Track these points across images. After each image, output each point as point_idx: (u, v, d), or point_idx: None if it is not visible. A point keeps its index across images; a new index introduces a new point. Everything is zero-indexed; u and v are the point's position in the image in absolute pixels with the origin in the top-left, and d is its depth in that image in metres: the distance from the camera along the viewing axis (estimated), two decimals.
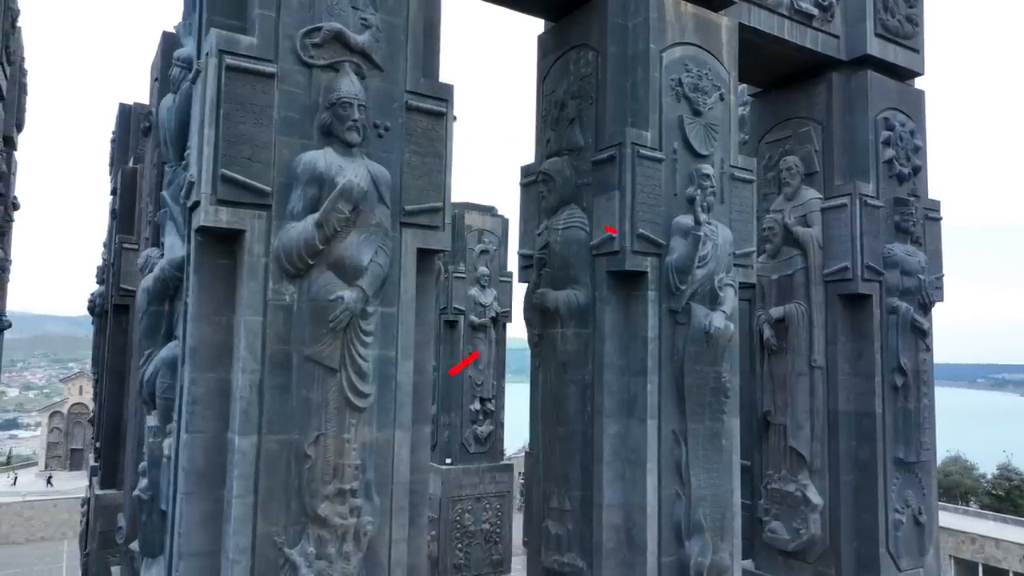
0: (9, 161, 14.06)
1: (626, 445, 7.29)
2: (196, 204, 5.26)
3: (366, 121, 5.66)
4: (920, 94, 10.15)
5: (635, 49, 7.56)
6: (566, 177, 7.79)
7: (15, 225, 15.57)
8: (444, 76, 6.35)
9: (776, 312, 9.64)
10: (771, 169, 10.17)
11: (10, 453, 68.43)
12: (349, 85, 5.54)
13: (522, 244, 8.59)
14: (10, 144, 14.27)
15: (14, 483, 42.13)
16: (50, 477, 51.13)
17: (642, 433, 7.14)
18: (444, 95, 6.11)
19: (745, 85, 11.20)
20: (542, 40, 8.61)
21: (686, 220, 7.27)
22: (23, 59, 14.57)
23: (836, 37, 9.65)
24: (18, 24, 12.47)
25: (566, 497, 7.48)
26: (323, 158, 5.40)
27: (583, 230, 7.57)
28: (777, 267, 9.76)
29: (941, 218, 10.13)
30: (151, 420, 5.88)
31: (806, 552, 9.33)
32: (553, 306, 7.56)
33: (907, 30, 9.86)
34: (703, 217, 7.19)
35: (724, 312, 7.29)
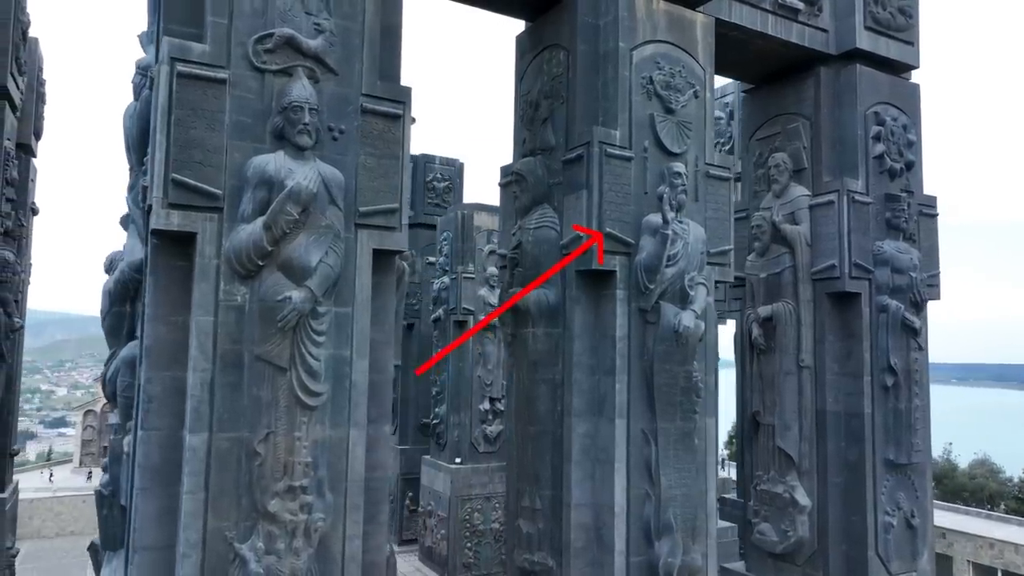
0: (26, 168, 14.51)
1: (596, 444, 7.29)
2: (151, 207, 5.41)
3: (319, 124, 5.76)
4: (915, 88, 9.92)
5: (606, 48, 7.55)
6: (538, 177, 7.81)
7: (36, 229, 16.07)
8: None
9: (764, 311, 9.52)
10: (761, 166, 10.04)
11: (50, 450, 70.56)
12: (300, 89, 5.64)
13: (501, 244, 8.63)
14: (28, 152, 14.75)
15: (51, 479, 43.45)
16: (90, 473, 52.64)
17: (610, 432, 7.12)
18: (401, 97, 6.18)
19: (738, 82, 11.10)
20: (519, 40, 8.64)
21: (655, 219, 7.23)
22: (41, 69, 15.04)
23: (824, 31, 9.49)
24: (31, 35, 12.87)
25: (537, 496, 7.50)
26: (273, 161, 5.51)
27: (554, 229, 7.58)
28: (765, 265, 9.63)
29: (937, 214, 9.89)
30: (112, 418, 6.06)
31: (794, 554, 9.19)
32: (524, 306, 7.58)
33: (900, 22, 9.65)
34: (671, 216, 7.14)
35: (694, 311, 7.24)
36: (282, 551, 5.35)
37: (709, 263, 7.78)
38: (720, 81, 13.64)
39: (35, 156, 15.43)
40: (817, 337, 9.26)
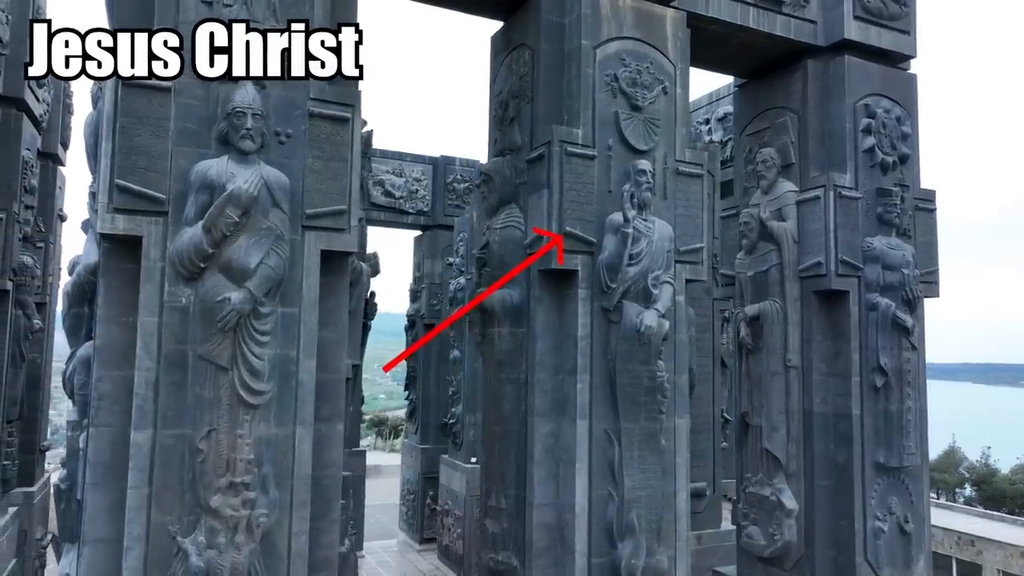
0: (53, 176, 15.16)
1: (559, 444, 7.26)
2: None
3: (265, 128, 5.89)
4: (910, 78, 9.59)
5: (570, 46, 7.52)
6: (505, 177, 7.82)
7: (65, 235, 16.77)
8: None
9: (751, 310, 9.32)
10: (751, 162, 9.83)
11: None
12: (243, 95, 5.77)
13: (475, 245, 8.67)
14: (56, 160, 15.42)
15: None
16: None
17: (572, 432, 7.09)
18: (350, 100, 6.26)
19: (732, 78, 10.91)
20: (493, 40, 8.66)
21: (617, 217, 7.17)
22: (68, 82, 15.72)
23: (812, 22, 9.25)
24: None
25: (502, 496, 7.51)
26: (216, 166, 5.66)
27: (519, 229, 7.58)
28: (753, 263, 9.43)
29: (934, 208, 9.53)
30: (71, 415, 6.32)
31: (782, 558, 8.98)
32: (489, 305, 7.60)
33: (893, 11, 9.34)
34: (631, 214, 7.07)
35: (657, 310, 7.15)
36: (223, 545, 5.49)
37: (680, 261, 7.68)
38: (721, 82, 13.44)
39: (63, 165, 16.07)
40: (804, 336, 9.03)
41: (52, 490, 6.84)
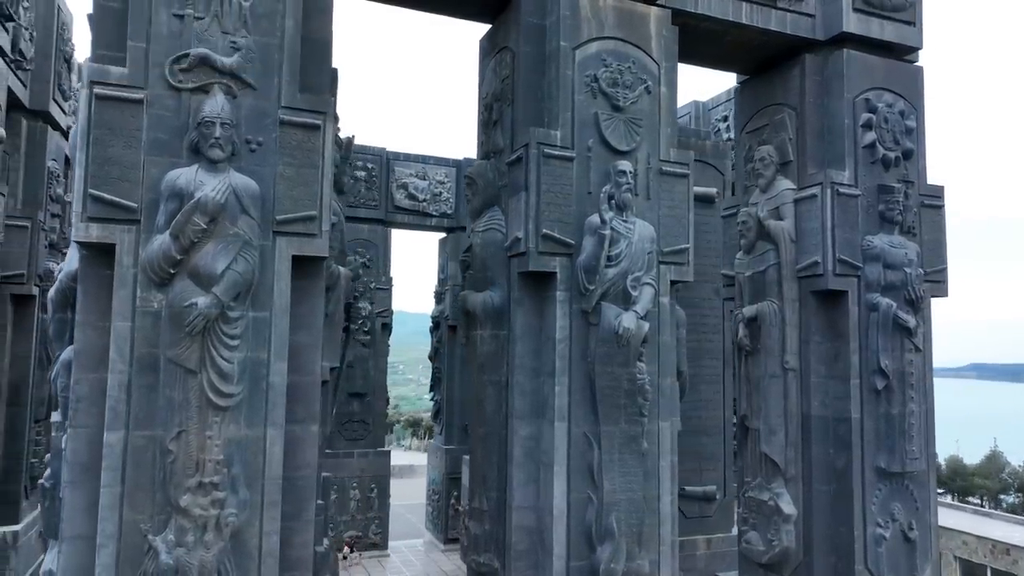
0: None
1: (539, 447, 7.25)
2: None
3: (236, 137, 6.03)
4: (915, 71, 9.28)
5: (550, 48, 7.51)
6: (488, 180, 7.85)
7: None
8: None
9: (749, 311, 9.15)
10: (750, 160, 9.65)
11: None
12: (212, 105, 5.92)
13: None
14: None
15: None
16: None
17: (551, 435, 7.07)
18: (321, 108, 6.36)
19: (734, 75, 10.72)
20: (481, 43, 8.70)
21: (595, 219, 7.12)
22: None
23: (811, 16, 9.03)
24: (76, 60, 14.00)
25: (484, 497, 7.53)
26: (185, 175, 5.81)
27: (500, 232, 7.60)
28: (751, 263, 9.25)
29: (942, 205, 9.21)
30: (55, 416, 6.56)
31: (781, 565, 8.78)
32: (472, 308, 7.64)
33: (896, 2, 9.04)
34: (608, 215, 7.02)
35: (636, 312, 7.07)
36: (192, 544, 5.63)
37: (664, 262, 7.60)
38: (723, 84, 13.17)
39: None
40: (803, 338, 8.82)
41: (39, 489, 7.14)
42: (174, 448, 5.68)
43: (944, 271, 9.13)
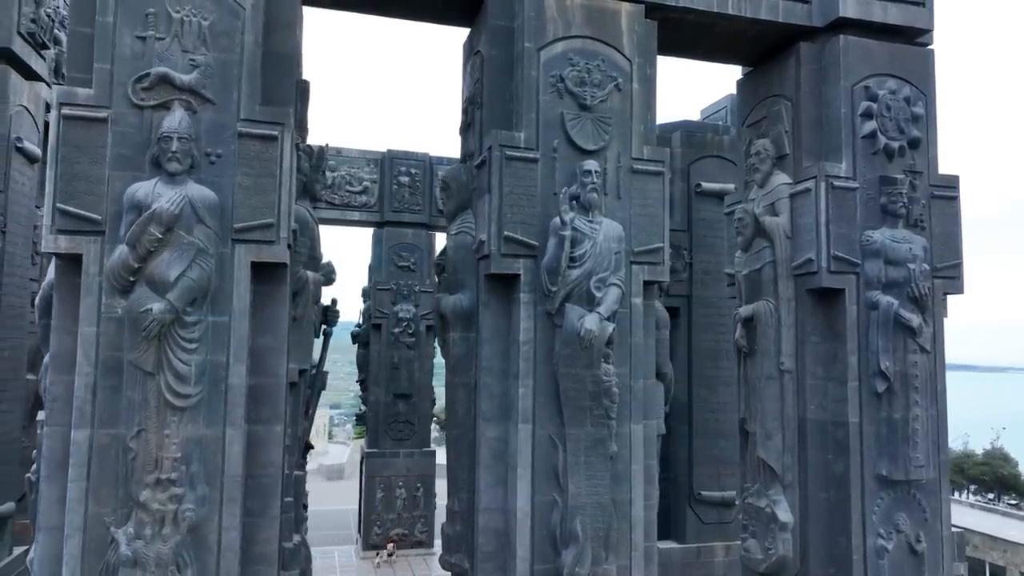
0: None
1: (507, 449, 7.25)
2: None
3: (195, 150, 6.32)
4: (924, 54, 8.73)
5: (517, 50, 7.50)
6: (462, 183, 7.91)
7: None
8: None
9: (745, 311, 8.83)
10: (750, 155, 9.32)
11: None
12: (170, 121, 6.24)
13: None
14: None
15: None
16: None
17: (515, 437, 7.06)
18: (279, 119, 6.59)
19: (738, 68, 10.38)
20: (464, 47, 8.76)
21: (558, 220, 7.07)
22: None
23: (806, 2, 8.65)
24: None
25: (456, 499, 7.59)
26: (144, 188, 6.15)
27: (470, 235, 7.65)
28: (748, 261, 8.94)
29: (955, 196, 8.62)
30: (41, 415, 7.03)
31: (778, 575, 8.44)
32: (443, 311, 7.71)
33: None
34: (568, 216, 6.94)
35: (599, 313, 6.97)
36: (149, 537, 5.94)
37: (636, 262, 7.46)
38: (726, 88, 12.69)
39: None
40: (799, 338, 8.45)
41: (25, 482, 7.69)
42: (134, 446, 6.01)
43: (958, 266, 8.55)
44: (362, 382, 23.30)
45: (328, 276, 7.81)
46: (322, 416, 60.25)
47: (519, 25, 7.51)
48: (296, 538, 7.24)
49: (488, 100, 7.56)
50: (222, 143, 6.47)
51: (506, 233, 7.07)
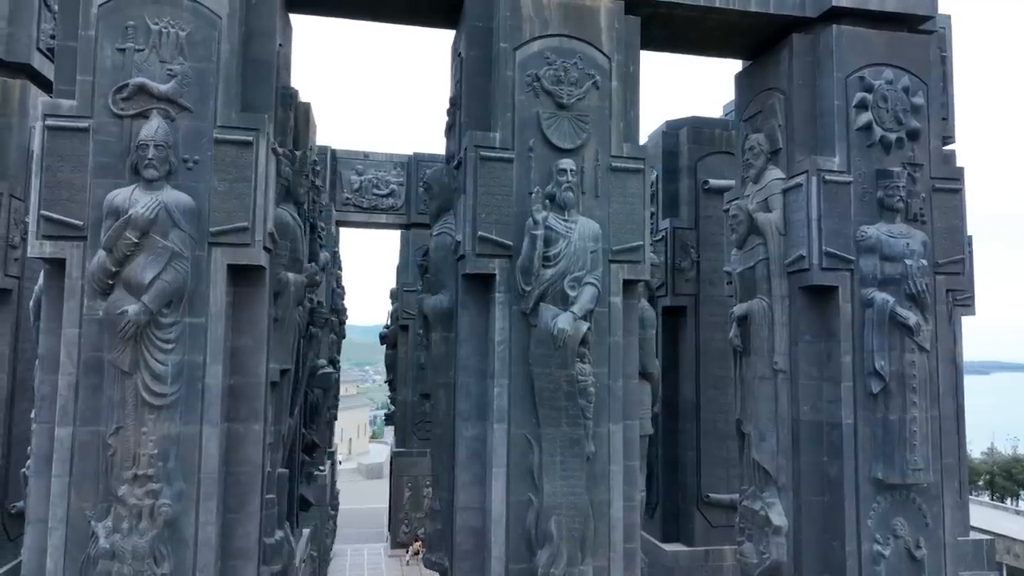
0: None
1: (485, 448, 7.25)
2: None
3: (172, 157, 6.53)
4: (924, 42, 8.41)
5: (494, 50, 7.51)
6: (443, 185, 7.96)
7: None
8: None
9: (739, 309, 8.66)
10: (745, 151, 9.12)
11: None
12: (147, 129, 6.46)
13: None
14: None
15: None
16: None
17: (491, 437, 7.07)
18: (255, 125, 6.76)
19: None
20: (451, 50, 8.79)
21: (529, 220, 7.04)
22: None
23: None
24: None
25: (437, 498, 7.63)
26: (122, 194, 6.37)
27: (450, 235, 7.69)
28: (742, 259, 8.75)
29: (959, 188, 8.28)
30: (34, 413, 7.34)
31: None
32: (425, 311, 7.77)
33: None
34: (541, 216, 6.91)
35: (573, 313, 6.92)
36: (127, 530, 6.17)
37: (616, 261, 7.39)
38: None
39: None
40: (792, 337, 8.23)
41: (21, 477, 8.03)
42: (113, 443, 6.24)
43: (961, 263, 8.20)
44: (390, 382, 23.61)
45: (311, 279, 7.94)
46: (362, 415, 61.08)
47: (496, 25, 7.52)
48: (279, 534, 7.39)
49: (467, 101, 7.59)
50: (199, 149, 6.66)
51: (481, 233, 7.08)
